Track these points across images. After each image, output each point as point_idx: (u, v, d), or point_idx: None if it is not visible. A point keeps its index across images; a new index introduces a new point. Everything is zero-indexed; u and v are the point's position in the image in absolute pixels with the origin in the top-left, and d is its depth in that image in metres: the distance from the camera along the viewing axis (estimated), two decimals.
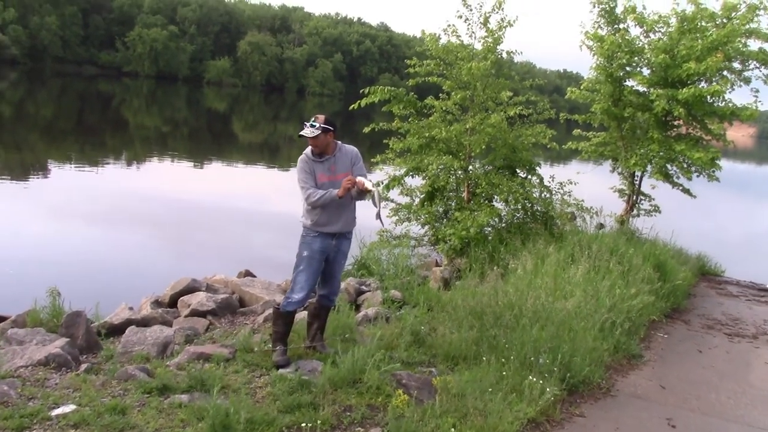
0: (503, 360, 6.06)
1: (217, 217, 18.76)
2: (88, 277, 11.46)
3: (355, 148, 6.17)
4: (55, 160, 26.93)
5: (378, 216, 6.03)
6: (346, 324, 6.96)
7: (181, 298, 8.59)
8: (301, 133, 5.95)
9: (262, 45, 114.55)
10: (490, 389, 5.49)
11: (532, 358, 6.17)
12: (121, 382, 5.35)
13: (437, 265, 12.59)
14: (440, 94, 13.32)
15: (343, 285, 9.16)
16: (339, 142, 6.14)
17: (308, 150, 6.06)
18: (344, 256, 6.26)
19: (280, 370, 5.76)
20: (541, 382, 5.64)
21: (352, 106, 12.43)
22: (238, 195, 22.72)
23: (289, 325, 6.12)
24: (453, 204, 13.00)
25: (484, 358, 6.15)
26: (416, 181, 13.36)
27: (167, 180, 25.36)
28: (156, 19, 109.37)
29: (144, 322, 8.02)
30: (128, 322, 7.78)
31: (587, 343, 6.74)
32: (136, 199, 20.12)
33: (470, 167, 12.72)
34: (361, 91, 12.60)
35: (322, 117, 5.99)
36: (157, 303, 8.83)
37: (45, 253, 13.06)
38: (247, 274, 11.33)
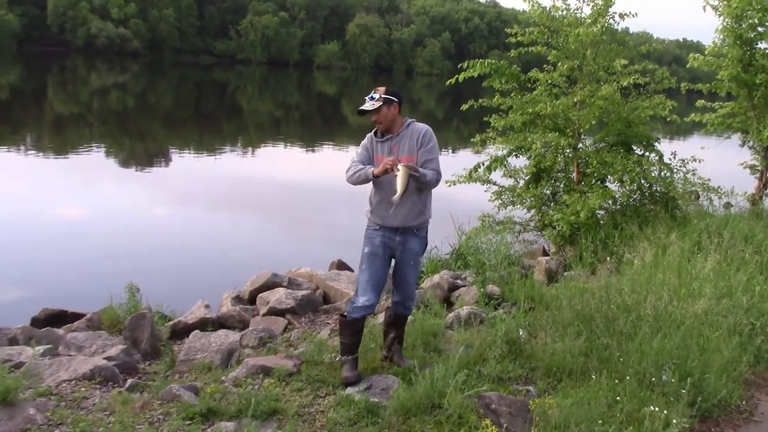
0: (617, 379, 5.00)
1: (324, 202, 18.12)
2: (174, 269, 11.04)
3: (428, 127, 5.22)
4: (176, 148, 27.56)
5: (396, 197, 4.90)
6: (432, 327, 6.08)
7: (260, 295, 7.93)
8: (361, 107, 5.11)
9: (370, 27, 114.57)
10: (600, 420, 4.44)
11: (653, 378, 5.07)
12: (163, 404, 4.66)
13: (544, 253, 11.50)
14: (545, 66, 12.17)
15: (436, 278, 8.31)
16: (410, 119, 5.25)
17: (373, 131, 5.24)
18: (413, 255, 5.30)
19: (348, 389, 4.94)
20: (665, 411, 4.52)
21: (449, 81, 11.45)
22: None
23: (356, 335, 5.26)
24: (561, 186, 11.86)
25: (593, 376, 5.11)
26: (520, 162, 12.29)
27: (278, 165, 25.18)
28: (267, 6, 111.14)
29: (220, 321, 7.45)
30: (203, 322, 7.22)
31: (722, 354, 5.54)
32: (244, 185, 19.98)
33: (580, 145, 11.52)
34: (459, 65, 11.61)
35: (382, 88, 5.16)
36: (238, 299, 8.22)
37: (135, 243, 12.74)
38: (340, 265, 10.62)
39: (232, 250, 12.90)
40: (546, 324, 6.14)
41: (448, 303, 7.65)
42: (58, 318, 7.81)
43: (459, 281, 8.14)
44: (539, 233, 12.25)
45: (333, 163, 26.19)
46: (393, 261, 5.28)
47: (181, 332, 7.11)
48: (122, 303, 7.89)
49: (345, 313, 5.25)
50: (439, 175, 5.11)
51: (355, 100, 65.76)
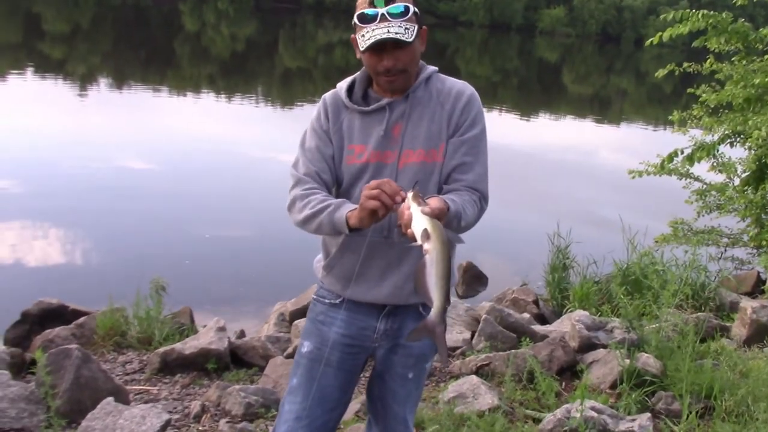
0: None
1: (539, 170, 15.65)
2: (251, 256, 8.78)
3: (471, 89, 2.46)
4: None
5: (435, 321, 2.02)
6: None
7: (297, 322, 5.58)
8: (383, 35, 2.22)
9: None
10: None
11: None
12: None
13: (758, 282, 8.20)
14: None
15: (567, 324, 5.56)
16: (432, 68, 2.50)
17: (343, 84, 2.44)
18: (416, 360, 2.51)
19: None
20: None
21: (649, 41, 8.48)
22: (561, 147, 19.52)
23: None
24: None
25: None
26: (737, 152, 9.02)
27: (491, 132, 23.09)
28: None
29: (237, 355, 5.29)
30: (204, 355, 5.06)
31: None
32: None
33: None
34: (661, 16, 8.64)
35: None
36: (282, 318, 5.99)
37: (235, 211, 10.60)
38: (469, 270, 8.15)
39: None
40: None
41: (573, 374, 4.89)
42: (54, 315, 5.97)
43: (600, 334, 5.29)
44: (755, 251, 8.97)
45: (549, 132, 23.59)
46: (372, 369, 2.62)
47: (173, 366, 5.01)
48: (140, 303, 5.92)
49: None
50: (484, 204, 2.37)
51: (577, 68, 61.82)
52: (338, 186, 2.38)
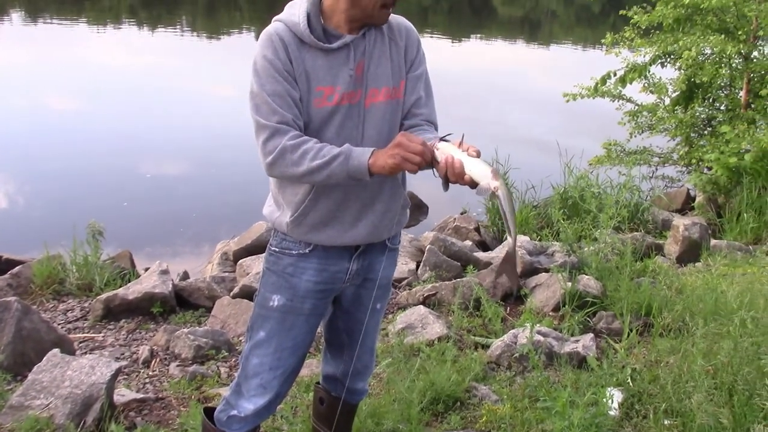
0: None
1: (478, 96, 15.36)
2: (192, 193, 8.66)
3: (408, 22, 2.38)
4: None
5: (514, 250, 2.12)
6: (454, 379, 3.52)
7: (241, 261, 5.54)
8: None
9: None
10: None
11: None
12: None
13: (688, 200, 8.46)
14: None
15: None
16: None
17: (297, 19, 2.16)
18: (383, 290, 2.53)
19: None
20: None
21: None
22: (492, 71, 19.36)
23: None
24: (722, 109, 8.71)
25: None
26: (667, 73, 9.16)
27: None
28: None
29: (182, 297, 5.19)
30: (148, 299, 4.96)
31: None
32: None
33: (755, 53, 8.25)
34: None
35: None
36: (226, 257, 5.93)
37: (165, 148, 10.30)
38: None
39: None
40: (664, 381, 3.39)
41: (517, 299, 5.00)
42: None
43: (542, 259, 5.40)
44: (685, 169, 9.24)
45: (481, 56, 23.39)
46: (333, 304, 2.57)
47: (117, 311, 4.93)
48: (77, 249, 5.75)
49: (213, 421, 2.54)
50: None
51: None
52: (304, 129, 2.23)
